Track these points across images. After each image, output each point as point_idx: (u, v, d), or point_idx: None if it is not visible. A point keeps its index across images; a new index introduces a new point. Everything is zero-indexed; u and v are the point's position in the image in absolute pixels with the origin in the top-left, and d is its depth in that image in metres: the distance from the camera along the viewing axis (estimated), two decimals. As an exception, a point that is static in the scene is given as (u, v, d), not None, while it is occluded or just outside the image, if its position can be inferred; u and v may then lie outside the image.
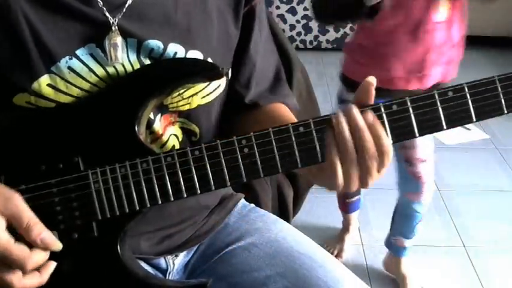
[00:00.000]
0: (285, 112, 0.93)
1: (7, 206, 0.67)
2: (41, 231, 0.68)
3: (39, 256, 0.68)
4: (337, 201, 2.07)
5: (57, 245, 0.69)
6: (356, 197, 2.02)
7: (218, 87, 0.85)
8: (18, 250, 0.66)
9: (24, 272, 0.67)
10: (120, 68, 0.77)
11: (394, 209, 1.88)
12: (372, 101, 0.72)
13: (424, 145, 1.71)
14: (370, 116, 0.70)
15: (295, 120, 0.90)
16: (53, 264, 0.70)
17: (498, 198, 2.43)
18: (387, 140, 0.70)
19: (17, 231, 0.67)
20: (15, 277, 0.67)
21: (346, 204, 2.06)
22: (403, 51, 1.55)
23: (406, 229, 1.86)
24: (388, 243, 1.94)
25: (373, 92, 0.72)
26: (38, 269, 0.69)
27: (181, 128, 0.85)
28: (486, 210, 2.34)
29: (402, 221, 1.86)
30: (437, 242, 2.15)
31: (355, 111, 0.70)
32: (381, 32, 1.55)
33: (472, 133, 2.86)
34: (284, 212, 1.17)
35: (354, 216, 2.10)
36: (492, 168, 2.63)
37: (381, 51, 1.58)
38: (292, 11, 3.81)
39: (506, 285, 2.00)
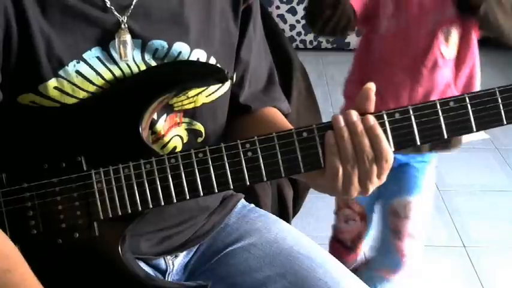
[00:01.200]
0: (279, 116, 0.94)
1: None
2: None
3: None
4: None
5: None
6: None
7: (223, 85, 0.86)
8: None
9: None
10: (126, 70, 0.77)
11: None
12: (373, 108, 0.72)
13: (416, 219, 1.50)
14: (370, 120, 0.71)
15: (288, 124, 0.91)
16: None
17: (498, 198, 2.43)
18: (386, 145, 0.71)
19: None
20: None
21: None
22: (401, 89, 1.33)
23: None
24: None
25: (373, 98, 0.72)
26: None
27: (187, 130, 0.85)
28: (486, 210, 2.34)
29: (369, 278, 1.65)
30: (437, 242, 2.14)
31: (355, 115, 0.71)
32: (376, 61, 1.36)
33: (472, 133, 2.85)
34: (284, 212, 1.17)
35: None
36: (492, 168, 2.63)
37: (376, 85, 1.41)
38: (292, 11, 3.81)
39: (506, 285, 2.00)
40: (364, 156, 0.70)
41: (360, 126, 0.70)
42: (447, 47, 1.31)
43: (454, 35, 1.30)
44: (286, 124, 0.91)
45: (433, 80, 1.32)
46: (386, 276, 1.58)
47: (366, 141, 0.70)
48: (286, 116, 0.96)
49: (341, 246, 1.66)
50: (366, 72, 1.39)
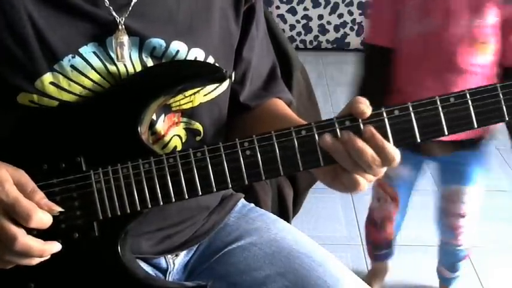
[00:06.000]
0: (279, 106, 0.93)
1: (14, 174, 0.68)
2: (44, 196, 0.69)
3: (44, 215, 0.68)
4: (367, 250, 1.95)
5: (58, 208, 0.70)
6: (384, 251, 1.86)
7: (220, 84, 0.86)
8: (27, 202, 0.67)
9: (28, 225, 0.67)
10: (122, 68, 0.77)
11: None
12: (367, 113, 0.70)
13: (471, 201, 1.61)
14: (369, 131, 0.69)
15: (290, 112, 0.91)
16: (57, 245, 0.70)
17: (498, 198, 2.42)
18: (391, 148, 0.69)
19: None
20: (20, 231, 0.67)
21: (374, 256, 1.90)
22: (430, 94, 1.38)
23: (448, 263, 1.82)
24: (437, 270, 1.90)
25: (364, 108, 0.70)
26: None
27: (185, 129, 0.86)
28: (486, 210, 2.34)
29: (443, 255, 1.82)
30: (437, 242, 2.14)
31: (349, 135, 0.70)
32: (404, 66, 1.37)
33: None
34: (284, 212, 1.17)
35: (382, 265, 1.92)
36: (492, 168, 2.63)
37: (403, 91, 1.38)
38: (292, 11, 3.82)
39: (506, 285, 2.00)
40: (373, 164, 0.69)
41: (359, 144, 0.69)
42: (479, 53, 1.28)
43: (490, 41, 1.27)
44: (287, 112, 0.91)
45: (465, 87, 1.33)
46: (452, 243, 1.71)
47: (369, 154, 0.68)
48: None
49: (371, 224, 1.75)
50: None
